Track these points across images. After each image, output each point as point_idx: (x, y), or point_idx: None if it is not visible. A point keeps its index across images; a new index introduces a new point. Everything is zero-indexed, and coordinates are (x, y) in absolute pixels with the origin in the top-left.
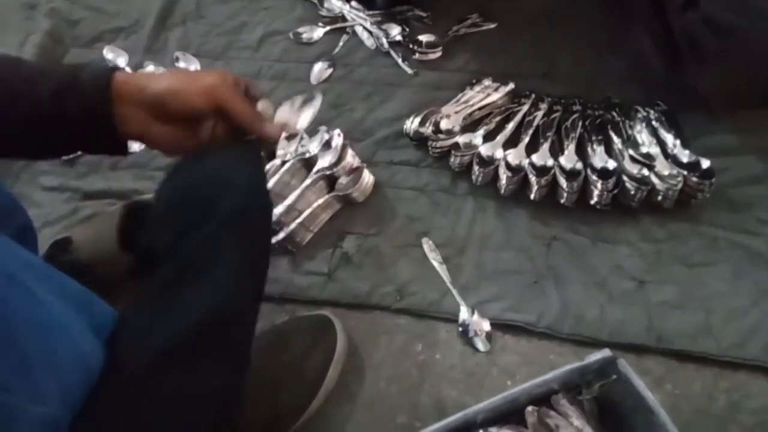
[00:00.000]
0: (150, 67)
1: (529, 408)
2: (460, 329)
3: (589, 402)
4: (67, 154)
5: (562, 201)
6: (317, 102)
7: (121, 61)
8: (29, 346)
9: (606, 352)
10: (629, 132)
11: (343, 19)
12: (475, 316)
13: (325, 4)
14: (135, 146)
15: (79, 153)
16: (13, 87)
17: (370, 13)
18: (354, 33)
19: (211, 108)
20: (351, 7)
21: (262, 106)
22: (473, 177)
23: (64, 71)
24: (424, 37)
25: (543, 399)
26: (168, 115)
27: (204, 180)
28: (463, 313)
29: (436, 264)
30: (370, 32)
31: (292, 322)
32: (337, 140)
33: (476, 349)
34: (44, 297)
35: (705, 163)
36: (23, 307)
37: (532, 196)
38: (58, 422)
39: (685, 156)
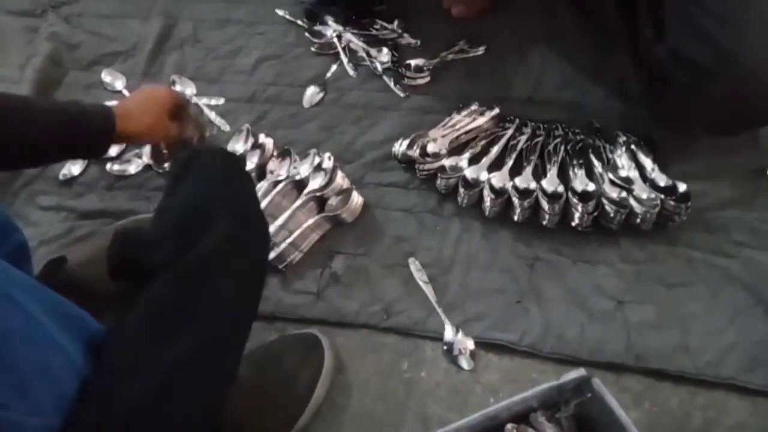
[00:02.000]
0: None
1: (509, 426)
2: (445, 347)
3: (566, 419)
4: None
5: (545, 223)
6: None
7: (119, 83)
8: (26, 364)
9: (581, 371)
10: (609, 156)
11: (334, 45)
12: (460, 335)
13: (316, 28)
14: (131, 168)
15: (76, 174)
16: (36, 115)
17: (361, 34)
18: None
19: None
20: (344, 29)
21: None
22: (459, 199)
23: (74, 109)
24: (413, 62)
25: (522, 417)
26: None
27: (199, 203)
28: (448, 332)
29: (422, 284)
30: (363, 56)
31: (281, 341)
32: (328, 163)
33: (460, 367)
34: (38, 316)
35: (681, 187)
36: (20, 326)
37: (515, 218)
38: (52, 429)
39: (662, 180)
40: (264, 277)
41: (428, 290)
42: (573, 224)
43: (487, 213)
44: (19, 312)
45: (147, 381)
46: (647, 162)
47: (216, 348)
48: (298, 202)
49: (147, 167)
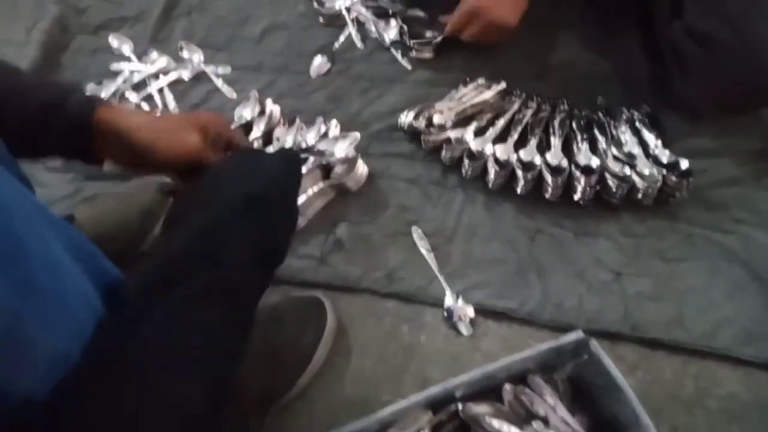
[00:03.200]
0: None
1: (507, 386)
2: (445, 314)
3: (563, 382)
4: (47, 159)
5: (547, 196)
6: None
7: (126, 48)
8: (43, 282)
9: (579, 334)
10: (614, 132)
11: (342, 17)
12: (460, 302)
13: (326, 4)
14: None
15: None
16: (6, 95)
17: (369, 6)
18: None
19: (187, 165)
20: (353, 1)
21: None
22: (463, 171)
23: (56, 91)
24: (421, 35)
25: (520, 378)
26: (144, 161)
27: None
28: (449, 299)
29: (424, 252)
30: (372, 28)
31: (285, 302)
32: (334, 131)
33: (460, 333)
34: (55, 243)
35: (684, 164)
36: (38, 248)
37: (518, 191)
38: (67, 357)
39: (665, 156)
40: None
41: (430, 258)
42: (575, 198)
43: (490, 185)
44: (37, 234)
45: (160, 316)
46: (651, 138)
47: (234, 286)
48: (303, 170)
49: None
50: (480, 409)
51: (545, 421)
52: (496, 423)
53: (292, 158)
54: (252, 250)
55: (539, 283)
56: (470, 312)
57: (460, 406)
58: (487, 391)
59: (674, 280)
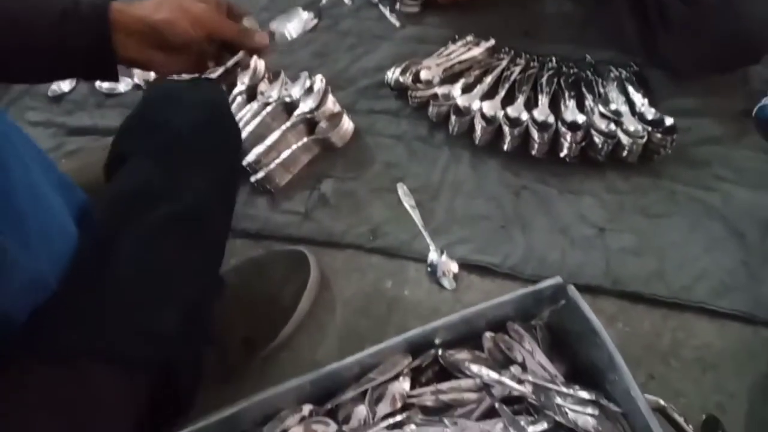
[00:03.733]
0: None
1: (487, 334)
2: (429, 269)
3: (541, 329)
4: (63, 79)
5: (533, 152)
6: (304, 15)
7: None
8: (24, 204)
9: (558, 279)
10: (601, 90)
11: None
12: (444, 257)
13: None
14: (121, 87)
15: (66, 90)
16: (16, 14)
17: None
18: None
19: (203, 36)
20: None
21: (247, 23)
22: (450, 127)
23: (65, 1)
24: None
25: (499, 327)
26: (164, 43)
27: (162, 99)
28: (433, 254)
29: (409, 208)
30: None
31: (268, 255)
32: (319, 85)
33: (443, 288)
34: (35, 168)
35: (668, 121)
36: (19, 171)
37: (505, 147)
38: (45, 281)
39: (650, 114)
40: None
41: (415, 214)
42: (561, 155)
43: (477, 141)
44: (20, 160)
45: (128, 245)
46: (637, 97)
47: (195, 214)
48: (288, 124)
49: (137, 87)
50: (460, 355)
51: (523, 366)
52: (475, 368)
53: (211, 84)
54: (205, 176)
55: (523, 238)
56: (454, 267)
57: (440, 351)
58: (467, 339)
59: (656, 236)
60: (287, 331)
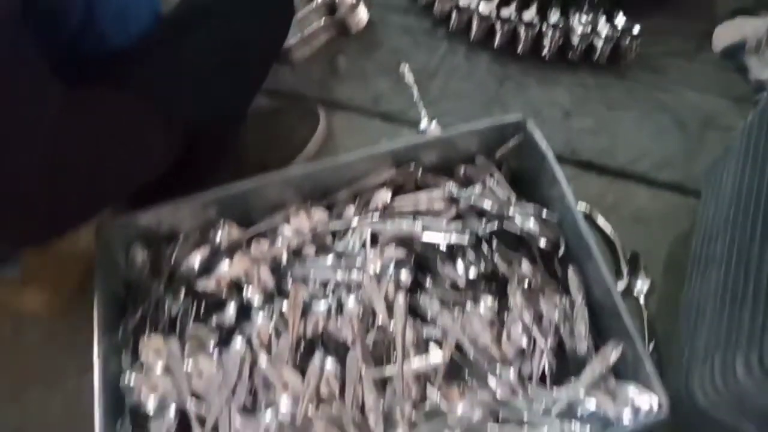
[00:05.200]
0: None
1: (462, 167)
2: (419, 132)
3: (505, 164)
4: None
5: (519, 50)
6: None
7: None
8: None
9: (519, 116)
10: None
11: None
12: (433, 124)
13: None
14: None
15: None
16: None
17: None
18: None
19: None
20: None
21: None
22: (450, 24)
23: None
24: None
25: (469, 160)
26: None
27: None
28: (424, 121)
29: (409, 83)
30: None
31: (284, 105)
32: None
33: None
34: None
35: (636, 29)
36: None
37: (495, 44)
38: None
39: (622, 22)
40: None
41: (414, 89)
42: (543, 54)
43: (472, 37)
44: None
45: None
46: (613, 11)
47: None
48: (312, 5)
49: None
50: (435, 178)
51: (484, 187)
52: (447, 184)
53: None
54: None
55: (501, 114)
56: (440, 132)
57: (420, 171)
58: (442, 170)
59: (612, 122)
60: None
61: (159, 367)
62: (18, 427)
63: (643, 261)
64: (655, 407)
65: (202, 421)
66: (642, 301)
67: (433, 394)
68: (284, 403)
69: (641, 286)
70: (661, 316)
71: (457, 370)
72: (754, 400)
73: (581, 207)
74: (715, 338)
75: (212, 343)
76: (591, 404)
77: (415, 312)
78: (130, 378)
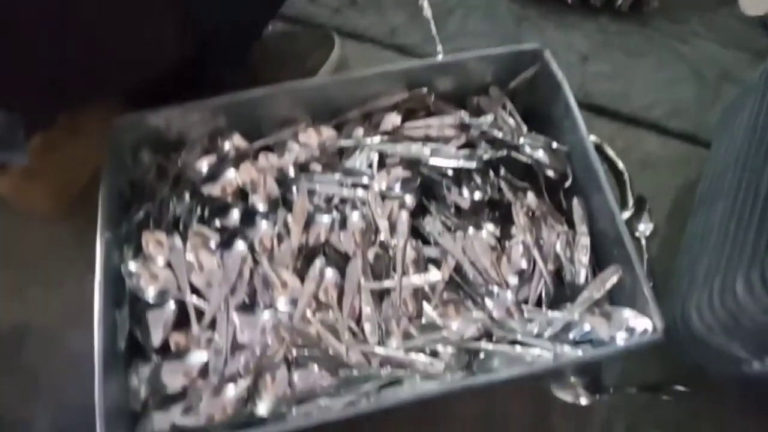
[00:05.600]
0: None
1: (474, 98)
2: None
3: (518, 99)
4: None
5: None
6: None
7: None
8: None
9: (535, 45)
10: None
11: None
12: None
13: None
14: None
15: None
16: None
17: None
18: None
19: None
20: None
21: None
22: None
23: None
24: None
25: (483, 91)
26: None
27: None
28: (439, 55)
29: (427, 17)
30: None
31: (299, 29)
32: None
33: None
34: None
35: None
36: None
37: None
38: None
39: None
40: None
41: (431, 24)
42: None
43: None
44: None
45: None
46: None
47: None
48: None
49: None
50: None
51: (497, 117)
52: (461, 112)
53: None
54: None
55: None
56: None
57: (432, 96)
58: (458, 100)
59: (628, 68)
60: None
61: (161, 259)
62: (19, 321)
63: (648, 205)
64: (650, 330)
65: (199, 317)
66: (644, 242)
67: (430, 311)
68: (282, 302)
69: (644, 228)
70: (661, 259)
71: (455, 292)
72: (751, 319)
73: (592, 138)
74: (716, 263)
75: (214, 242)
76: (585, 326)
77: (418, 234)
78: (132, 265)
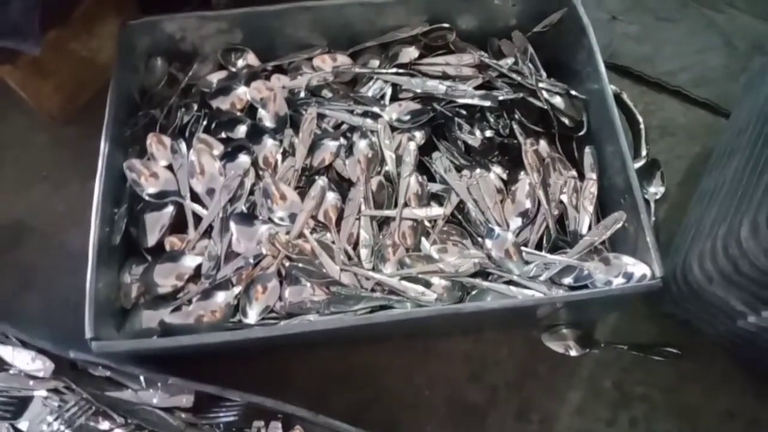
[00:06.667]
0: None
1: (493, 40)
2: None
3: (542, 44)
4: None
5: None
6: None
7: None
8: None
9: None
10: None
11: None
12: None
13: None
14: None
15: None
16: None
17: None
18: None
19: None
20: None
21: None
22: None
23: None
24: None
25: (506, 35)
26: None
27: None
28: None
29: None
30: None
31: None
32: None
33: None
34: None
35: None
36: None
37: None
38: None
39: None
40: None
41: None
42: None
43: None
44: None
45: None
46: None
47: None
48: None
49: None
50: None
51: (516, 62)
52: (481, 53)
53: None
54: None
55: None
56: None
57: (453, 33)
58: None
59: (657, 32)
60: None
61: (163, 161)
62: (19, 217)
63: (662, 169)
64: (648, 275)
65: (197, 222)
66: (652, 205)
67: (427, 246)
68: (280, 214)
69: (655, 190)
70: (668, 223)
71: (455, 230)
72: (751, 264)
73: (612, 88)
74: (724, 212)
75: (218, 151)
76: (583, 270)
77: (425, 171)
78: (134, 162)
